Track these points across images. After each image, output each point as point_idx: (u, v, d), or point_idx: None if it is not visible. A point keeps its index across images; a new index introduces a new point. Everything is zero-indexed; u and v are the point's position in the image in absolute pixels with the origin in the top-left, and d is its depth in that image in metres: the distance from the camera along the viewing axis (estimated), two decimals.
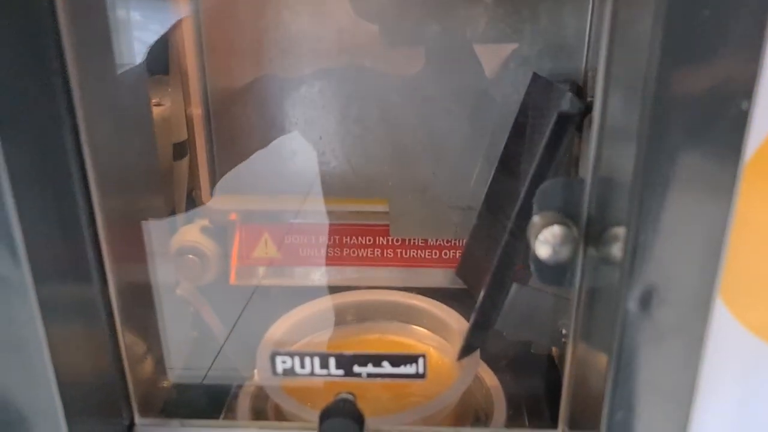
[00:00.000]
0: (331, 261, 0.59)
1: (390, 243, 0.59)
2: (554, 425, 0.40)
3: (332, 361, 0.38)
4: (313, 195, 0.56)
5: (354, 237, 0.58)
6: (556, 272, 0.38)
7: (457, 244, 0.58)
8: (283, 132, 0.53)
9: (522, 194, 0.41)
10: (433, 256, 0.59)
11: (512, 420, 0.44)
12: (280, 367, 0.38)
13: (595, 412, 0.36)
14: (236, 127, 0.54)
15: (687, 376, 0.31)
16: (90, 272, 0.36)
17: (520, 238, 0.43)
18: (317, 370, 0.38)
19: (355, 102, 0.52)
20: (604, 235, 0.34)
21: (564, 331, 0.46)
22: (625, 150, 0.30)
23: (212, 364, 0.50)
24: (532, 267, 0.38)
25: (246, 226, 0.58)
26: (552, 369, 0.50)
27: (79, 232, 0.35)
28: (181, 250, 0.57)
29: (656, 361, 0.31)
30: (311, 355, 0.38)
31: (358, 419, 0.38)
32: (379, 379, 0.38)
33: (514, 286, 0.46)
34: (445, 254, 0.59)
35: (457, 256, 0.58)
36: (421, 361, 0.38)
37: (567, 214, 0.36)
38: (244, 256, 0.59)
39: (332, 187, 0.56)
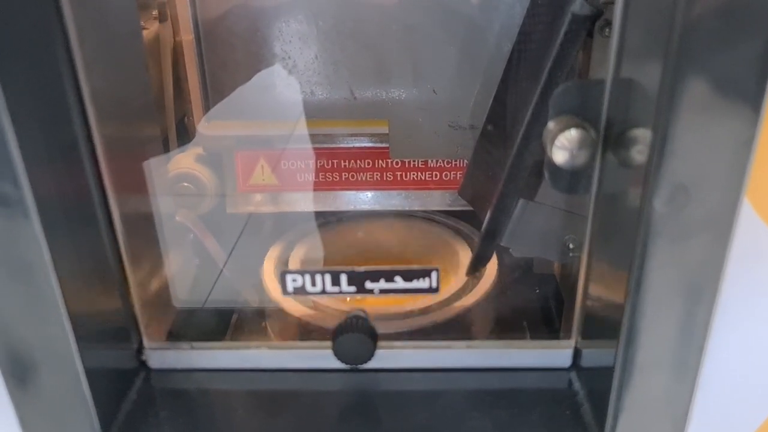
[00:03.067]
0: (329, 185, 0.57)
1: (389, 165, 0.57)
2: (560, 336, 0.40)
3: (344, 278, 0.37)
4: (309, 118, 0.54)
5: (352, 161, 0.57)
6: (572, 179, 0.36)
7: (459, 164, 0.57)
8: (275, 54, 0.50)
9: (534, 101, 0.39)
10: (434, 178, 0.57)
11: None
12: (290, 286, 0.37)
13: (610, 322, 0.35)
14: (228, 49, 0.52)
15: (712, 275, 0.31)
16: (92, 197, 0.34)
17: (530, 149, 0.42)
18: (329, 287, 0.37)
19: (352, 20, 0.49)
20: (623, 138, 0.33)
21: (571, 246, 0.44)
22: (652, 49, 0.29)
23: (212, 288, 0.48)
24: (547, 175, 0.37)
25: (241, 152, 0.56)
26: (552, 284, 0.49)
27: (79, 156, 0.34)
28: (177, 178, 0.55)
29: (681, 261, 0.30)
30: (322, 273, 0.36)
31: (372, 335, 0.37)
32: (392, 295, 0.37)
33: (521, 202, 0.44)
34: (446, 176, 0.57)
35: (459, 178, 0.56)
36: (434, 275, 0.37)
37: (584, 118, 0.34)
38: (241, 183, 0.57)
39: (330, 109, 0.53)
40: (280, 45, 0.50)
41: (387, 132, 0.54)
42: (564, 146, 0.34)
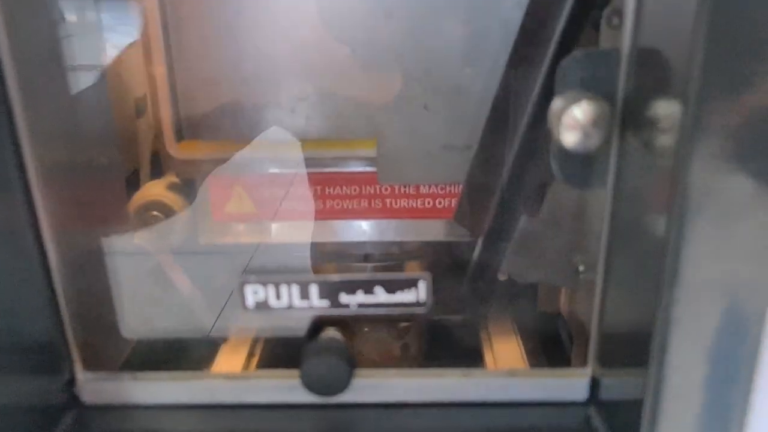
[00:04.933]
0: (312, 214, 0.51)
1: (378, 192, 0.51)
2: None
3: (314, 290, 0.30)
4: (291, 139, 0.48)
5: (338, 186, 0.50)
6: (585, 167, 0.30)
7: (454, 190, 0.50)
8: (254, 69, 0.45)
9: (536, 92, 0.33)
10: (427, 206, 0.50)
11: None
12: (251, 300, 0.30)
13: (635, 345, 0.28)
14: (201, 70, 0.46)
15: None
16: (23, 227, 0.28)
17: (533, 149, 0.35)
18: (296, 301, 0.30)
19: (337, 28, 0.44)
20: (645, 114, 0.27)
21: (581, 268, 0.37)
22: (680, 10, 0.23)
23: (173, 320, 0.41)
24: (555, 164, 0.31)
25: (215, 178, 0.50)
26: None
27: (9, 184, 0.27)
28: (145, 206, 0.48)
29: (724, 261, 0.23)
30: (288, 283, 0.30)
31: (348, 359, 0.30)
32: (372, 311, 0.30)
33: (523, 219, 0.37)
34: (440, 203, 0.50)
35: (455, 205, 0.49)
36: (422, 285, 0.30)
37: (597, 93, 0.28)
38: (216, 211, 0.51)
39: (313, 129, 0.47)
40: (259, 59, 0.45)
41: (375, 155, 0.47)
42: (574, 123, 0.27)
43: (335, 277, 0.30)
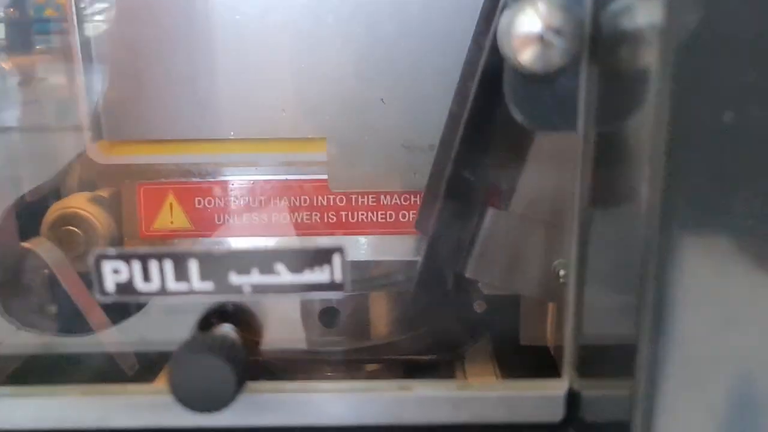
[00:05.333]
0: (256, 229, 0.43)
1: (331, 203, 0.43)
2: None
3: (194, 268, 0.22)
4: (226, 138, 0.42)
5: (285, 196, 0.43)
6: (548, 100, 0.23)
7: (418, 201, 0.43)
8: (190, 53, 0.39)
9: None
10: (388, 219, 0.43)
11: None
12: (110, 282, 0.22)
13: (620, 351, 0.20)
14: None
15: None
16: None
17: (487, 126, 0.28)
18: (171, 283, 0.22)
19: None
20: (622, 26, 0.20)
21: (562, 273, 0.29)
22: None
23: None
24: (511, 96, 0.23)
25: (146, 186, 0.43)
26: None
27: None
28: (59, 221, 0.41)
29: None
30: (159, 257, 0.22)
31: (235, 360, 0.22)
32: (273, 295, 0.22)
33: (490, 213, 0.30)
34: (404, 216, 0.43)
35: None
36: (336, 260, 0.22)
37: None
38: (144, 227, 0.43)
39: (256, 126, 0.41)
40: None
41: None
42: (530, 30, 0.20)
43: (222, 251, 0.23)
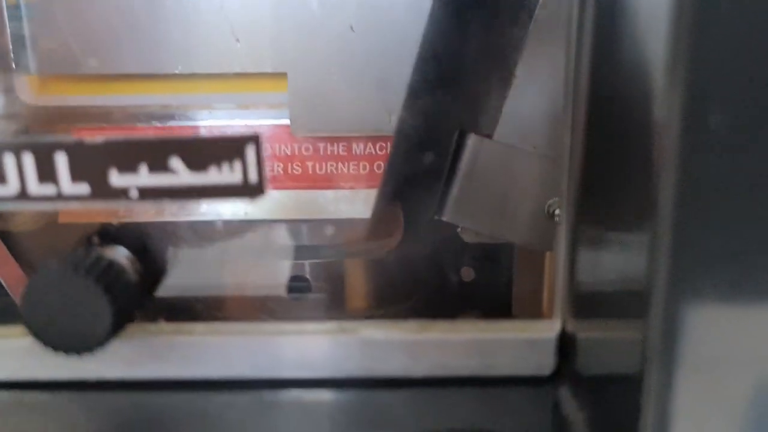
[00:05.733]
0: None
1: (296, 152, 0.37)
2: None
3: (62, 163, 0.16)
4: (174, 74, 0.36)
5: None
6: None
7: None
8: None
9: None
10: (361, 171, 0.37)
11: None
12: None
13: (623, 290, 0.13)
14: None
15: None
16: None
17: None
18: (33, 185, 0.16)
19: None
20: None
21: (557, 212, 0.23)
22: None
23: None
24: None
25: (83, 133, 0.37)
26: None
27: None
28: None
29: None
30: (16, 150, 0.16)
31: (115, 289, 0.16)
32: (169, 202, 0.16)
33: (471, 141, 0.24)
34: (379, 167, 0.37)
35: None
36: (250, 154, 0.16)
37: None
38: None
39: (206, 60, 0.35)
40: None
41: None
42: None
43: (99, 141, 0.17)
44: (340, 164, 0.35)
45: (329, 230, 0.33)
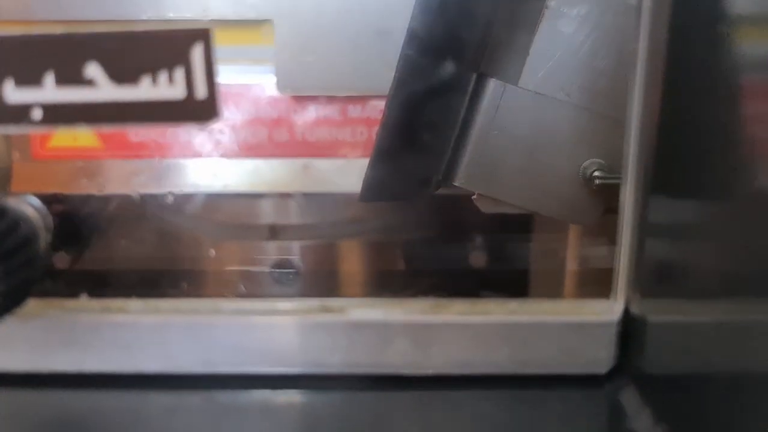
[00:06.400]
0: (182, 150, 0.32)
1: (283, 115, 0.32)
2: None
3: None
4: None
5: (224, 107, 0.32)
6: None
7: None
8: None
9: None
10: (358, 137, 0.32)
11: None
12: None
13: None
14: None
15: None
16: None
17: None
18: None
19: None
20: None
21: (597, 174, 0.18)
22: None
23: None
24: None
25: None
26: None
27: None
28: None
29: None
30: None
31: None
32: (85, 127, 0.11)
33: (492, 87, 0.19)
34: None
35: None
36: (198, 56, 0.11)
37: None
38: (38, 145, 0.33)
39: (180, 3, 0.30)
40: None
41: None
42: None
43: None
44: (333, 129, 0.30)
45: (320, 205, 0.28)
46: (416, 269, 0.23)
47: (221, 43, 0.31)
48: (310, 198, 0.30)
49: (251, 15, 0.28)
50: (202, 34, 0.12)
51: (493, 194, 0.22)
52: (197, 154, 0.30)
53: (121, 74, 0.13)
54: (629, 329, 0.15)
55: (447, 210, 0.24)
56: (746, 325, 0.10)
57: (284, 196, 0.30)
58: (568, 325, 0.15)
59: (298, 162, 0.30)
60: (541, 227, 0.27)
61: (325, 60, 0.28)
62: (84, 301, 0.16)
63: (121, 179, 0.30)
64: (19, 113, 0.13)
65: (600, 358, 0.16)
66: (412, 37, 0.21)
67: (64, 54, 0.13)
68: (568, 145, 0.22)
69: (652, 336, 0.15)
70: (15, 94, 0.13)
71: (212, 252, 0.21)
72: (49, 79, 0.13)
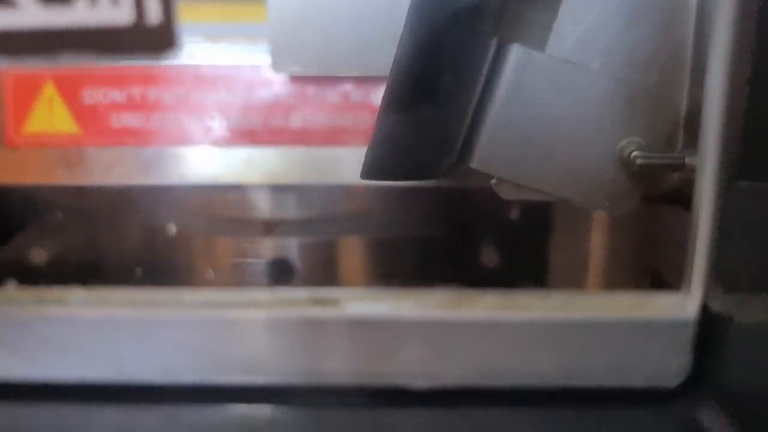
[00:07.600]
0: (169, 136, 0.30)
1: (279, 99, 0.30)
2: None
3: None
4: None
5: (212, 89, 0.30)
6: None
7: None
8: None
9: None
10: (360, 123, 0.29)
11: None
12: None
13: None
14: None
15: None
16: None
17: None
18: None
19: None
20: None
21: (635, 154, 0.15)
22: None
23: None
24: None
25: (14, 72, 0.30)
26: None
27: None
28: None
29: None
30: None
31: None
32: (8, 60, 0.08)
33: (515, 53, 0.16)
34: None
35: None
36: None
37: None
38: (12, 130, 0.30)
39: None
40: None
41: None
42: None
43: None
44: (332, 114, 0.27)
45: (318, 198, 0.25)
46: (433, 251, 0.20)
47: (213, 18, 0.28)
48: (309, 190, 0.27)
49: (248, 20, 0.26)
50: None
51: (513, 178, 0.19)
52: (185, 142, 0.27)
53: None
54: (708, 331, 0.12)
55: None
56: None
57: (280, 188, 0.28)
58: (628, 324, 0.12)
59: (294, 150, 0.28)
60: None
61: (324, 38, 0.25)
62: (11, 290, 0.13)
63: (102, 169, 0.28)
64: None
65: (670, 367, 0.13)
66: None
67: None
68: (602, 122, 0.19)
69: (738, 340, 0.12)
70: None
71: (172, 229, 0.18)
72: None
